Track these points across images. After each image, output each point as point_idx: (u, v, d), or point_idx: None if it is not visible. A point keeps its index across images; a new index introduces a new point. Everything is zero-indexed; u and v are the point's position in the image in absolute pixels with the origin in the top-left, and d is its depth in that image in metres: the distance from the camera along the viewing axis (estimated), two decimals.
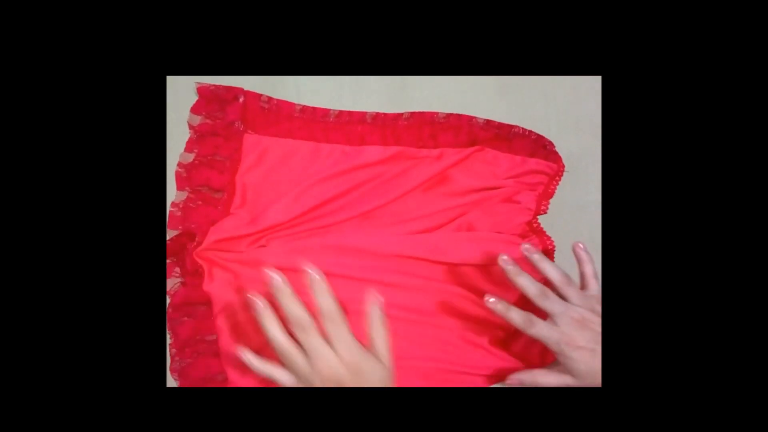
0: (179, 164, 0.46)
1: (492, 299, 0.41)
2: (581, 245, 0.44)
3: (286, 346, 0.36)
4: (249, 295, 0.37)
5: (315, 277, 0.36)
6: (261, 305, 0.36)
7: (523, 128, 0.48)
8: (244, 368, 0.42)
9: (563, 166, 0.47)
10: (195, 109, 0.47)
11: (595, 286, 0.43)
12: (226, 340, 0.44)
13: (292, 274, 0.37)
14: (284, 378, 0.37)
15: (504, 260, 0.42)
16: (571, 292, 0.41)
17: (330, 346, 0.35)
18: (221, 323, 0.44)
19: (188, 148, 0.47)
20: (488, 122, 0.48)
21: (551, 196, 0.48)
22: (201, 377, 0.43)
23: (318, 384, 0.35)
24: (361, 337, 0.37)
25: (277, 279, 0.36)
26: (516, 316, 0.40)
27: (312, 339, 0.35)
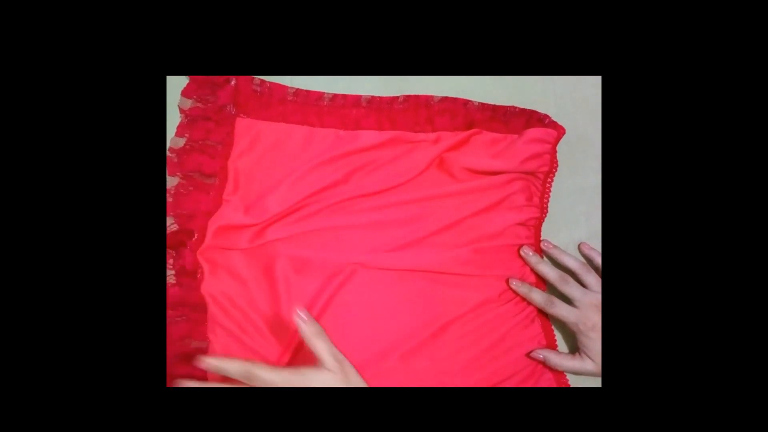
0: (170, 149, 0.45)
1: (515, 282, 0.45)
2: (586, 245, 0.48)
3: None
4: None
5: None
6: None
7: (519, 107, 0.47)
8: (227, 380, 0.41)
9: (563, 130, 0.47)
10: (186, 93, 0.46)
11: None
12: (219, 345, 0.43)
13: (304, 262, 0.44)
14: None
15: (525, 251, 0.46)
16: (591, 280, 0.45)
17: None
18: (219, 327, 0.43)
19: (179, 132, 0.46)
20: (483, 104, 0.47)
21: (555, 171, 0.47)
22: (182, 375, 0.42)
23: None
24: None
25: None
26: (537, 297, 0.44)
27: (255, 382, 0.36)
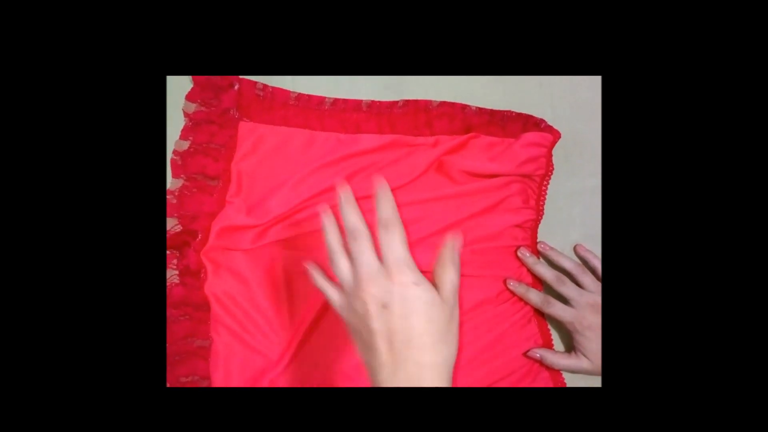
0: (174, 152, 0.46)
1: (512, 282, 0.46)
2: (582, 246, 0.48)
3: (335, 248, 0.34)
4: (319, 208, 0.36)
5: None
6: (326, 217, 0.35)
7: (515, 112, 0.48)
8: (230, 378, 0.43)
9: (559, 134, 0.48)
10: (190, 97, 0.47)
11: None
12: (222, 344, 0.44)
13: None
14: (335, 296, 0.34)
15: (522, 252, 0.47)
16: (586, 280, 0.45)
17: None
18: (222, 327, 0.44)
19: (183, 135, 0.47)
20: (481, 109, 0.48)
21: (551, 174, 0.48)
22: (185, 374, 0.43)
23: (361, 299, 0.31)
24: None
25: (346, 191, 0.34)
26: (534, 297, 0.45)
27: (360, 245, 0.32)
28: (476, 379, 0.44)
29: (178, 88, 0.47)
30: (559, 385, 0.45)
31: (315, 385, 0.43)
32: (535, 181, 0.48)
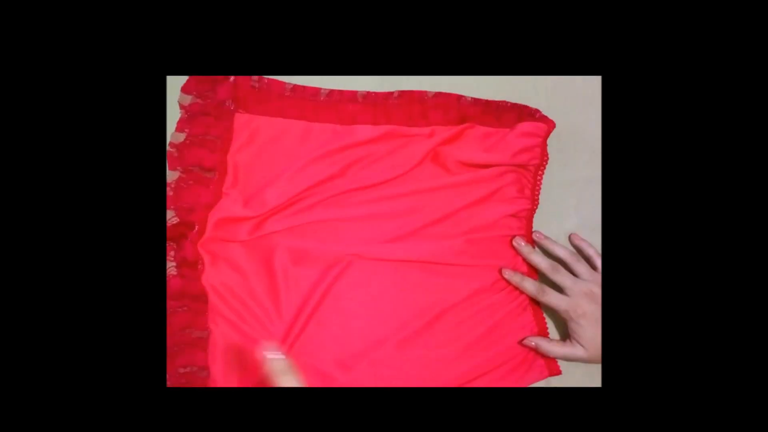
0: (170, 144, 0.46)
1: (507, 271, 0.46)
2: (576, 236, 0.49)
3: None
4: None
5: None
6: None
7: (510, 102, 0.48)
8: (229, 368, 0.43)
9: (554, 124, 0.48)
10: (186, 89, 0.47)
11: (600, 264, 0.47)
12: (220, 335, 0.44)
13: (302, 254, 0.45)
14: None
15: (517, 242, 0.47)
16: (581, 269, 0.46)
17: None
18: (220, 317, 0.44)
19: (179, 127, 0.47)
20: (476, 99, 0.48)
21: (545, 164, 0.49)
22: (183, 365, 0.43)
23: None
24: None
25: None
26: (529, 286, 0.46)
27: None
28: (472, 367, 0.45)
29: (173, 83, 0.47)
30: (555, 373, 0.46)
31: (312, 374, 0.44)
32: (530, 170, 0.48)
